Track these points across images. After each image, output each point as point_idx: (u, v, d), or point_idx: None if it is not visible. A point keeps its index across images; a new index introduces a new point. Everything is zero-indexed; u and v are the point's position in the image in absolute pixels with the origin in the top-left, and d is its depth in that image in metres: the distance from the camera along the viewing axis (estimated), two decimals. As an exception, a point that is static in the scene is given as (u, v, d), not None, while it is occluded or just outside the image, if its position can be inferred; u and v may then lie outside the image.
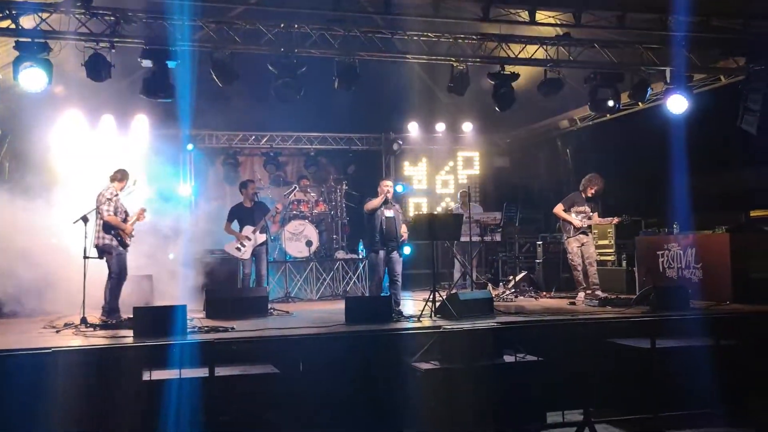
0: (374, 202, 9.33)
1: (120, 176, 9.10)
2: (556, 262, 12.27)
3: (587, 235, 10.35)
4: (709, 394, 6.94)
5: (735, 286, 9.24)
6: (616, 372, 7.37)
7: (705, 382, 6.94)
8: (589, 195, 10.37)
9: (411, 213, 14.98)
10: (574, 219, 10.26)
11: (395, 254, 9.37)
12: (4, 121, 10.03)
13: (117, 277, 8.82)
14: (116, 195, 8.92)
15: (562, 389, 7.22)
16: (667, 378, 7.10)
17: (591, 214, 10.32)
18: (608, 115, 11.34)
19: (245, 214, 10.82)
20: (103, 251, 8.80)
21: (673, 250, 10.41)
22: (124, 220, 8.94)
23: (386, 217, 9.33)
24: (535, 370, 6.95)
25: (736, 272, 9.29)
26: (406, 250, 12.99)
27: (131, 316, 7.63)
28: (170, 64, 8.67)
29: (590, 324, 8.05)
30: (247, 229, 10.68)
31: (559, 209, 10.44)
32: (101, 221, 8.76)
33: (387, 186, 9.43)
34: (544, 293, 11.56)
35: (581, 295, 10.21)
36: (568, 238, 10.33)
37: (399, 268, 9.43)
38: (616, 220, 10.35)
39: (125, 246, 8.91)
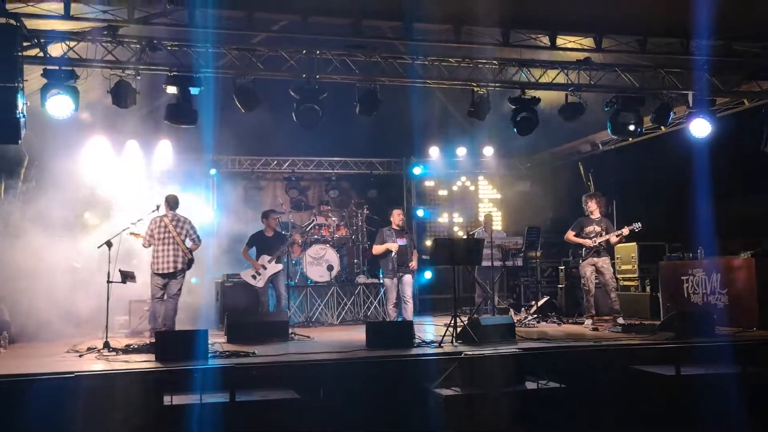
0: (379, 248, 10.13)
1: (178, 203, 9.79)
2: (578, 288, 12.15)
3: (601, 256, 10.25)
4: (735, 422, 6.81)
5: (762, 312, 9.12)
6: (641, 399, 7.26)
7: (731, 410, 6.82)
8: (593, 214, 10.39)
9: (430, 238, 14.93)
10: (585, 240, 10.25)
11: (406, 277, 10.01)
12: (30, 147, 10.18)
13: (176, 297, 9.48)
14: None
15: (586, 417, 7.12)
16: (693, 406, 6.98)
17: (602, 233, 10.27)
18: (630, 139, 11.30)
19: (264, 243, 10.93)
20: (180, 272, 9.43)
21: (697, 275, 10.30)
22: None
23: (400, 246, 10.01)
24: (558, 398, 6.87)
25: (762, 298, 9.17)
26: (427, 274, 13.04)
27: (153, 339, 7.68)
28: (194, 90, 8.78)
29: (614, 350, 7.96)
30: (264, 258, 10.75)
31: (570, 235, 10.49)
32: (187, 246, 9.46)
33: (400, 215, 10.28)
34: (567, 319, 11.45)
35: (588, 322, 10.15)
36: (582, 261, 10.30)
37: (409, 291, 10.09)
38: (626, 230, 10.21)
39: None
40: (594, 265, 10.23)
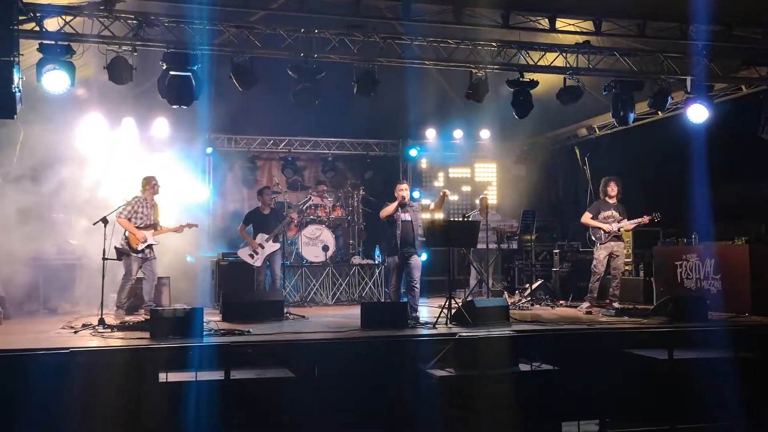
0: (389, 209, 9.26)
1: (142, 184, 9.76)
2: (572, 271, 12.21)
3: (619, 240, 10.28)
4: (727, 406, 6.88)
5: (754, 298, 9.15)
6: (633, 383, 7.32)
7: (723, 395, 6.89)
8: (610, 199, 10.34)
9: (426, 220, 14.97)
10: (603, 225, 10.22)
11: (414, 259, 9.21)
12: (25, 123, 10.12)
13: (125, 277, 9.52)
14: (137, 201, 9.59)
15: (578, 399, 7.18)
16: (685, 390, 7.04)
17: (620, 218, 10.26)
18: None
19: (261, 220, 10.93)
20: (119, 252, 9.41)
21: (691, 261, 10.33)
22: (148, 227, 9.57)
23: (403, 221, 9.22)
24: (551, 380, 6.93)
25: (755, 284, 9.20)
26: (423, 256, 13.01)
27: (148, 317, 7.69)
28: (191, 67, 8.72)
29: (607, 334, 8.00)
30: (261, 237, 10.75)
31: (587, 218, 10.40)
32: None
33: (402, 190, 9.32)
34: (561, 302, 11.50)
35: (584, 305, 10.18)
36: (600, 245, 10.26)
37: (417, 274, 9.25)
38: (645, 219, 10.17)
39: (134, 250, 9.42)
40: (610, 250, 10.23)
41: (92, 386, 6.25)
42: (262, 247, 10.71)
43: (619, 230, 10.24)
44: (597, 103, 10.77)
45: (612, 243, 10.22)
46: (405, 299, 9.24)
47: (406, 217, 9.27)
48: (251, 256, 10.76)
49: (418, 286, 9.26)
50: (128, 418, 6.23)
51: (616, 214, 10.26)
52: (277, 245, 10.78)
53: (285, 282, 11.22)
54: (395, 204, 9.24)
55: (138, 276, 9.68)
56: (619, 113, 10.17)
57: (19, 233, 9.75)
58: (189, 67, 8.68)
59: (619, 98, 10.07)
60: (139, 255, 9.50)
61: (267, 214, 10.99)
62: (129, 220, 9.47)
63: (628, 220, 10.25)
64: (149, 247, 9.62)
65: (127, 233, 9.44)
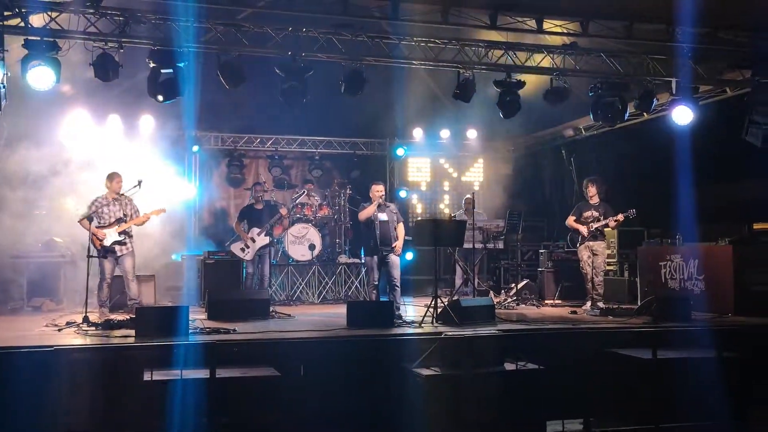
0: (367, 211, 9.31)
1: (105, 182, 9.24)
2: (558, 271, 12.26)
3: (597, 240, 10.31)
4: (710, 405, 6.93)
5: (737, 298, 9.25)
6: (617, 382, 7.36)
7: (706, 394, 6.93)
8: (592, 199, 10.40)
9: (413, 219, 15.00)
10: (580, 226, 10.31)
11: (392, 258, 9.24)
12: (10, 119, 10.05)
13: (100, 276, 8.99)
14: (96, 201, 9.09)
15: (563, 398, 7.22)
16: (669, 389, 7.09)
17: (599, 217, 10.31)
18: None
19: (255, 215, 10.98)
20: (105, 250, 8.99)
21: (675, 261, 10.41)
22: (112, 224, 9.04)
23: (381, 221, 9.26)
24: (536, 379, 6.95)
25: (738, 284, 9.30)
26: (408, 255, 13.03)
27: (133, 315, 7.66)
28: (178, 65, 8.67)
29: (591, 333, 8.04)
30: (254, 231, 10.78)
31: (570, 220, 10.51)
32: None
33: (378, 191, 9.41)
34: (546, 301, 11.55)
35: (588, 304, 10.22)
36: (579, 245, 10.34)
37: (397, 273, 9.30)
38: (620, 217, 10.22)
39: (97, 250, 8.92)
40: (590, 248, 10.30)
41: (76, 385, 6.22)
42: (254, 241, 10.72)
43: (596, 230, 10.29)
44: (583, 104, 10.81)
45: (590, 242, 10.28)
46: (384, 298, 9.30)
47: (383, 217, 9.31)
48: (242, 249, 10.78)
49: (398, 284, 9.31)
50: (112, 416, 6.20)
51: (596, 213, 10.33)
52: (268, 239, 10.79)
53: (271, 281, 11.21)
54: (374, 206, 9.29)
55: (117, 274, 9.48)
56: (605, 114, 10.25)
57: (2, 230, 9.67)
58: (175, 64, 8.63)
59: (604, 99, 10.12)
60: (100, 254, 9.01)
61: (260, 210, 11.02)
62: (91, 221, 8.88)
63: (610, 218, 10.32)
64: (118, 243, 9.10)
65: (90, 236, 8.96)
